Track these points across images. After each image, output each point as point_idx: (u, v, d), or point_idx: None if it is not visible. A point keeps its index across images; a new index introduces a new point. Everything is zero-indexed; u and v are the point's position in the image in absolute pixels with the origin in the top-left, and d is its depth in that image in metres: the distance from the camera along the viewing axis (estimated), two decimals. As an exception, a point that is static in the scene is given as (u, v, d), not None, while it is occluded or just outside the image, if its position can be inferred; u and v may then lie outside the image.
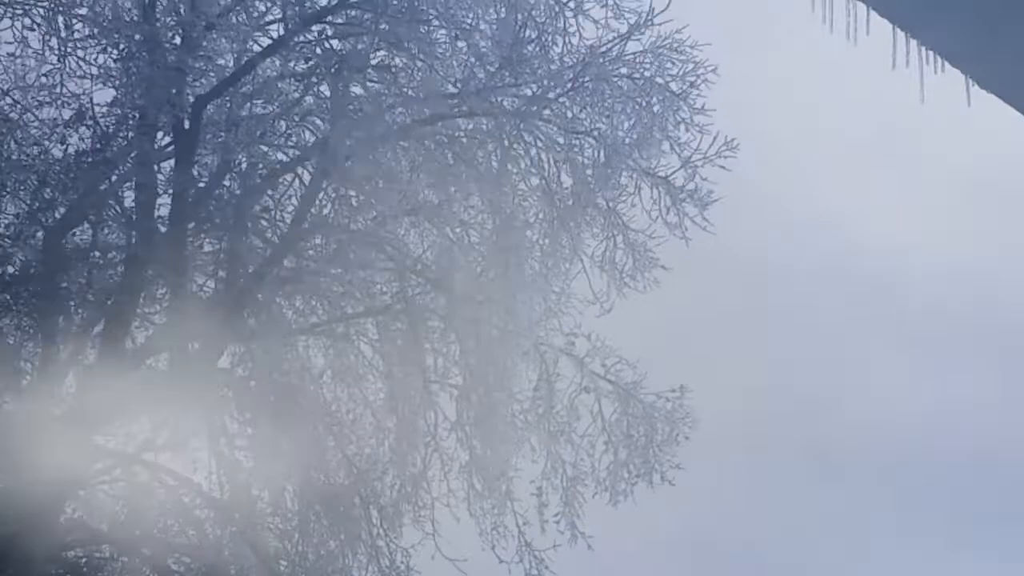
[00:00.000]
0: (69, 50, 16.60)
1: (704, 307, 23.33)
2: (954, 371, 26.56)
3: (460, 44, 16.63)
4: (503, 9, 16.51)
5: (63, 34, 16.43)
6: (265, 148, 17.35)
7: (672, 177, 17.22)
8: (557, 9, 16.67)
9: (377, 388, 18.22)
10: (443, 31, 16.59)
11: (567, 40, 16.84)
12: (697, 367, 20.51)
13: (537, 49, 16.84)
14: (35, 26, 16.43)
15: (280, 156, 17.64)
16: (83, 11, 16.49)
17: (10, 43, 16.78)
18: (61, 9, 16.38)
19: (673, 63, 16.90)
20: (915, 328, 27.03)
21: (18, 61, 17.12)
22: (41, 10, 16.41)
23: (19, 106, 17.39)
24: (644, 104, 17.01)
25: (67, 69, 16.83)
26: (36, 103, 17.42)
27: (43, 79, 17.16)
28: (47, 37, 16.47)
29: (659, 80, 16.95)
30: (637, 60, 16.89)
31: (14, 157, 17.30)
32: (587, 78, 16.75)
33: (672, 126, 17.07)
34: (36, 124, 17.42)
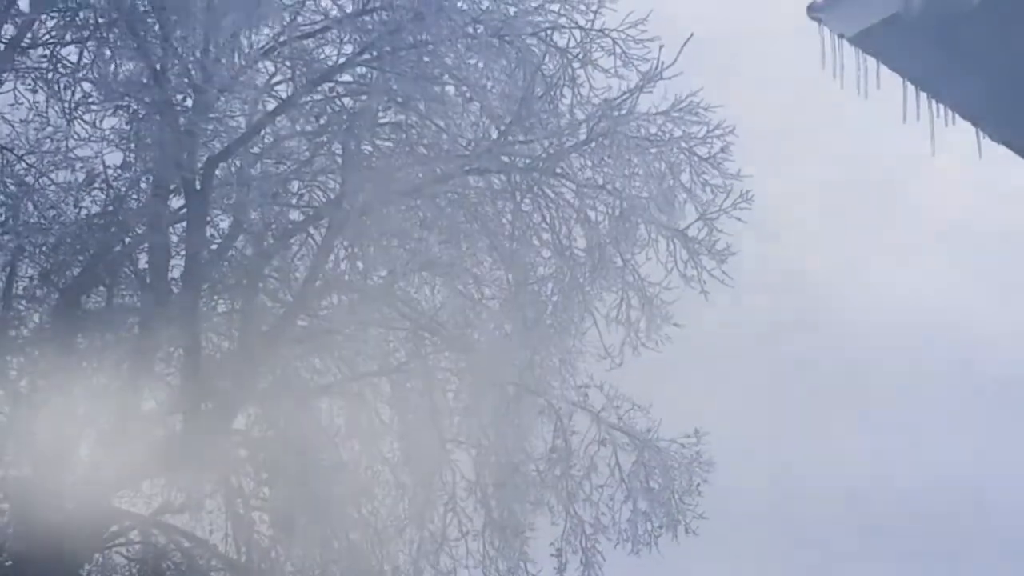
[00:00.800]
0: (77, 114, 16.69)
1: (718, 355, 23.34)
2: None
3: (471, 103, 16.63)
4: (512, 64, 16.50)
5: (67, 98, 16.51)
6: (277, 208, 17.37)
7: (688, 229, 17.20)
8: (565, 61, 16.68)
9: (393, 447, 18.17)
10: (453, 88, 16.60)
11: (576, 91, 16.86)
12: (712, 414, 20.45)
13: (547, 103, 16.83)
14: (37, 89, 16.52)
15: (292, 215, 17.66)
16: (91, 74, 16.57)
17: (20, 105, 16.91)
18: (66, 73, 16.46)
19: (690, 125, 16.89)
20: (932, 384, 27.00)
21: (31, 126, 17.23)
22: (46, 74, 16.50)
23: (34, 170, 17.47)
24: (667, 165, 16.99)
25: (77, 133, 16.93)
26: (51, 167, 17.51)
27: (55, 143, 17.26)
28: (51, 101, 16.57)
29: (683, 144, 16.95)
30: (652, 118, 16.88)
31: (31, 220, 17.36)
32: (600, 133, 16.75)
33: (699, 189, 17.07)
34: (52, 188, 17.50)
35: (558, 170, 16.94)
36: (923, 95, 6.94)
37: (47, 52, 16.64)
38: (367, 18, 16.24)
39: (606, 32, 16.59)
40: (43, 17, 16.70)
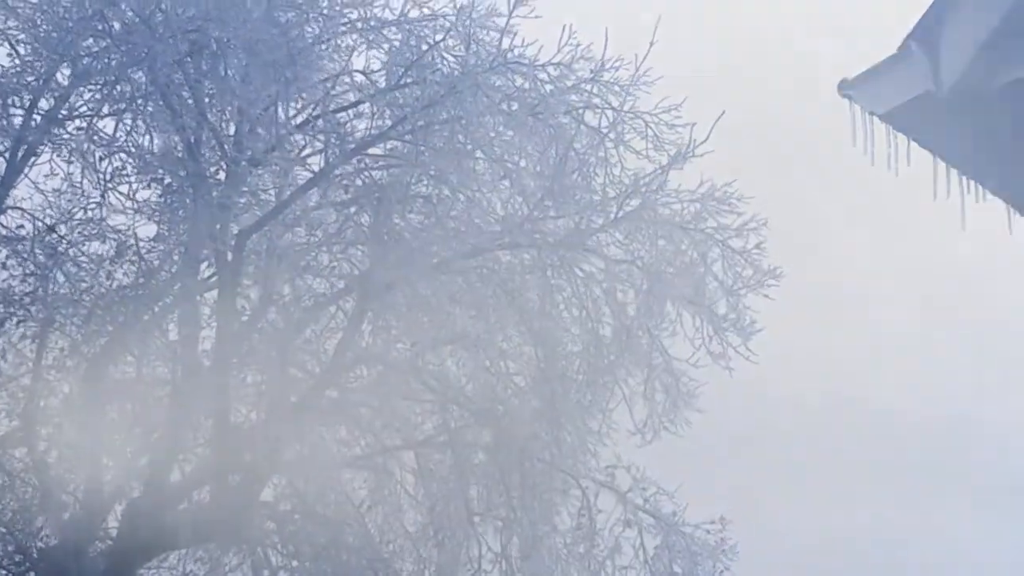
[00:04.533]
0: (111, 185, 16.81)
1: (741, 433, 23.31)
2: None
3: (503, 179, 16.71)
4: (544, 140, 16.57)
5: (101, 168, 16.64)
6: (307, 280, 17.44)
7: (714, 306, 17.20)
8: (598, 140, 16.74)
9: (419, 520, 18.13)
10: (484, 163, 16.67)
11: (608, 171, 16.90)
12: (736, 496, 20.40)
13: (579, 180, 16.89)
14: (73, 160, 16.65)
15: (322, 288, 17.71)
16: (125, 147, 16.71)
17: (55, 176, 17.04)
18: (102, 145, 16.59)
19: (724, 215, 16.95)
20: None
21: (64, 197, 17.36)
22: (81, 145, 16.63)
23: (66, 241, 17.58)
24: (700, 254, 17.02)
25: (110, 204, 17.04)
26: (83, 238, 17.62)
27: (86, 213, 17.38)
28: (86, 172, 16.70)
29: (718, 236, 16.98)
30: (688, 206, 16.93)
31: (62, 291, 17.45)
32: (630, 210, 16.79)
33: (731, 280, 17.10)
34: (83, 259, 17.60)
35: (588, 246, 16.97)
36: (953, 171, 6.97)
37: (83, 124, 16.78)
38: (400, 93, 16.35)
39: (638, 114, 16.67)
40: (80, 89, 16.84)
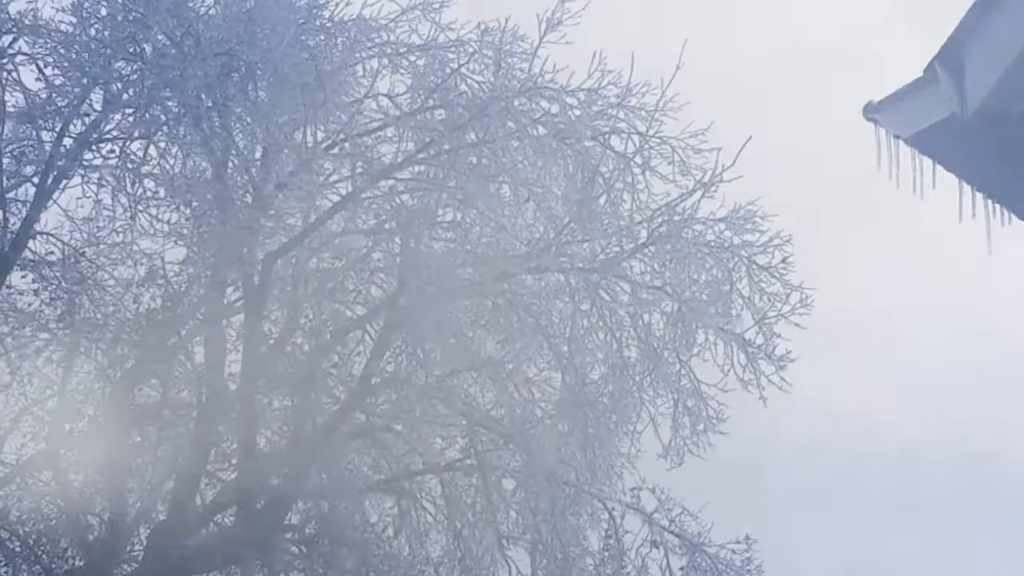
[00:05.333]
0: (140, 208, 16.84)
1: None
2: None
3: (529, 203, 16.68)
4: (571, 165, 16.54)
5: (131, 191, 16.66)
6: (334, 304, 17.44)
7: (745, 333, 17.10)
8: (624, 164, 16.70)
9: (443, 545, 18.10)
10: (509, 184, 16.65)
11: (635, 196, 16.85)
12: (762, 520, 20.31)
13: (606, 205, 16.84)
14: (104, 182, 16.68)
15: (349, 312, 17.72)
16: (155, 170, 16.74)
17: (84, 200, 17.07)
18: (131, 167, 16.62)
19: (750, 233, 16.87)
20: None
21: (92, 222, 17.39)
22: (112, 169, 16.66)
23: (93, 265, 17.63)
24: (725, 272, 16.95)
25: (139, 227, 17.06)
26: (110, 262, 17.66)
27: (116, 237, 17.42)
28: (117, 195, 16.72)
29: (744, 253, 16.92)
30: (711, 224, 16.87)
31: (88, 316, 17.50)
32: (659, 236, 16.73)
33: (756, 297, 17.00)
34: (111, 283, 17.65)
35: (616, 272, 16.91)
36: (979, 195, 6.92)
37: (115, 148, 16.84)
38: (426, 116, 16.35)
39: (665, 140, 16.62)
40: (112, 114, 16.89)
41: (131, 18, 16.18)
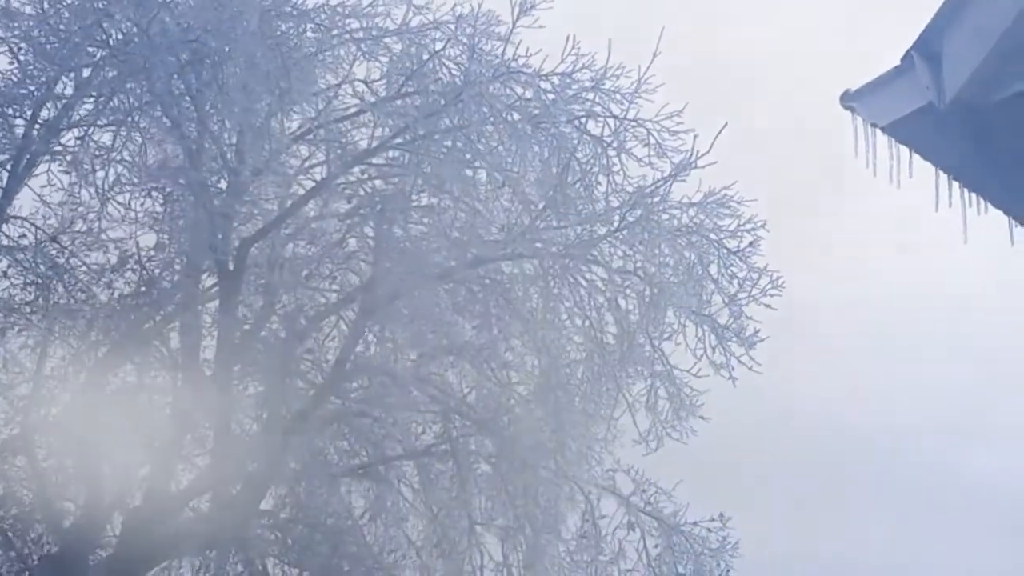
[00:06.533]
0: (111, 195, 16.79)
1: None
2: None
3: (504, 188, 16.67)
4: (546, 150, 16.53)
5: (100, 181, 16.62)
6: (309, 289, 17.43)
7: (717, 315, 17.14)
8: (600, 149, 16.69)
9: (420, 529, 18.10)
10: (485, 170, 16.64)
11: (611, 179, 16.84)
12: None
13: (581, 189, 16.84)
14: (69, 170, 16.64)
15: (324, 298, 17.70)
16: (126, 157, 16.70)
17: (54, 188, 17.02)
18: (100, 155, 16.58)
19: (722, 217, 16.89)
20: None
21: (65, 207, 17.35)
22: (80, 156, 16.61)
23: (67, 251, 17.58)
24: (696, 255, 16.97)
25: (110, 214, 17.03)
26: (83, 248, 17.62)
27: (88, 224, 17.37)
28: (85, 183, 16.68)
29: (712, 236, 16.94)
30: (684, 208, 16.88)
31: (62, 302, 17.45)
32: (633, 220, 16.73)
33: (726, 280, 17.03)
34: (83, 269, 17.59)
35: (590, 256, 16.91)
36: (955, 184, 6.95)
37: (82, 134, 16.78)
38: (401, 102, 16.33)
39: (640, 122, 16.61)
40: (80, 100, 16.83)
41: (97, 6, 16.09)
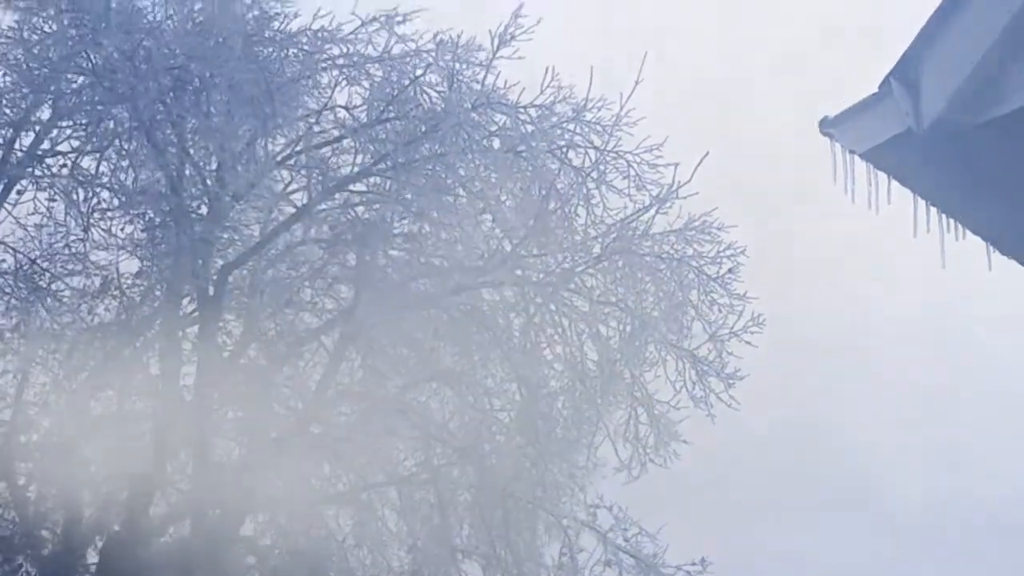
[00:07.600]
0: (93, 221, 16.80)
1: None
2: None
3: (485, 216, 16.71)
4: (527, 179, 16.57)
5: (83, 207, 16.62)
6: (290, 315, 17.43)
7: (697, 350, 17.18)
8: (580, 179, 16.73)
9: (401, 556, 18.07)
10: (466, 199, 16.66)
11: (590, 210, 16.88)
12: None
13: (561, 219, 16.87)
14: (56, 197, 16.65)
15: (305, 324, 17.70)
16: (109, 183, 16.70)
17: (36, 213, 17.01)
18: (84, 181, 16.58)
19: (702, 244, 16.96)
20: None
21: (44, 230, 17.32)
22: (63, 182, 16.62)
23: (48, 275, 17.55)
24: (677, 283, 17.02)
25: (93, 240, 17.02)
26: (65, 272, 17.59)
27: (70, 249, 17.35)
28: (69, 208, 16.68)
29: (693, 263, 16.99)
30: (666, 237, 16.93)
31: (45, 326, 17.41)
32: (614, 251, 16.78)
33: (706, 307, 17.09)
34: (66, 294, 17.57)
35: (571, 285, 16.94)
36: (933, 210, 6.98)
37: (66, 161, 16.79)
38: (382, 128, 16.36)
39: (621, 154, 16.66)
40: (62, 126, 16.84)
41: (81, 35, 16.12)
